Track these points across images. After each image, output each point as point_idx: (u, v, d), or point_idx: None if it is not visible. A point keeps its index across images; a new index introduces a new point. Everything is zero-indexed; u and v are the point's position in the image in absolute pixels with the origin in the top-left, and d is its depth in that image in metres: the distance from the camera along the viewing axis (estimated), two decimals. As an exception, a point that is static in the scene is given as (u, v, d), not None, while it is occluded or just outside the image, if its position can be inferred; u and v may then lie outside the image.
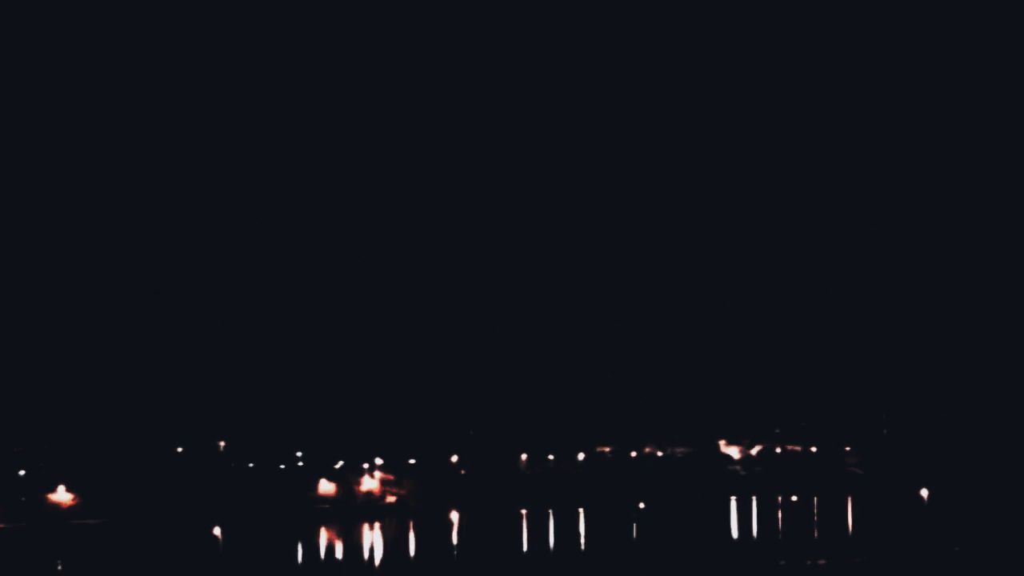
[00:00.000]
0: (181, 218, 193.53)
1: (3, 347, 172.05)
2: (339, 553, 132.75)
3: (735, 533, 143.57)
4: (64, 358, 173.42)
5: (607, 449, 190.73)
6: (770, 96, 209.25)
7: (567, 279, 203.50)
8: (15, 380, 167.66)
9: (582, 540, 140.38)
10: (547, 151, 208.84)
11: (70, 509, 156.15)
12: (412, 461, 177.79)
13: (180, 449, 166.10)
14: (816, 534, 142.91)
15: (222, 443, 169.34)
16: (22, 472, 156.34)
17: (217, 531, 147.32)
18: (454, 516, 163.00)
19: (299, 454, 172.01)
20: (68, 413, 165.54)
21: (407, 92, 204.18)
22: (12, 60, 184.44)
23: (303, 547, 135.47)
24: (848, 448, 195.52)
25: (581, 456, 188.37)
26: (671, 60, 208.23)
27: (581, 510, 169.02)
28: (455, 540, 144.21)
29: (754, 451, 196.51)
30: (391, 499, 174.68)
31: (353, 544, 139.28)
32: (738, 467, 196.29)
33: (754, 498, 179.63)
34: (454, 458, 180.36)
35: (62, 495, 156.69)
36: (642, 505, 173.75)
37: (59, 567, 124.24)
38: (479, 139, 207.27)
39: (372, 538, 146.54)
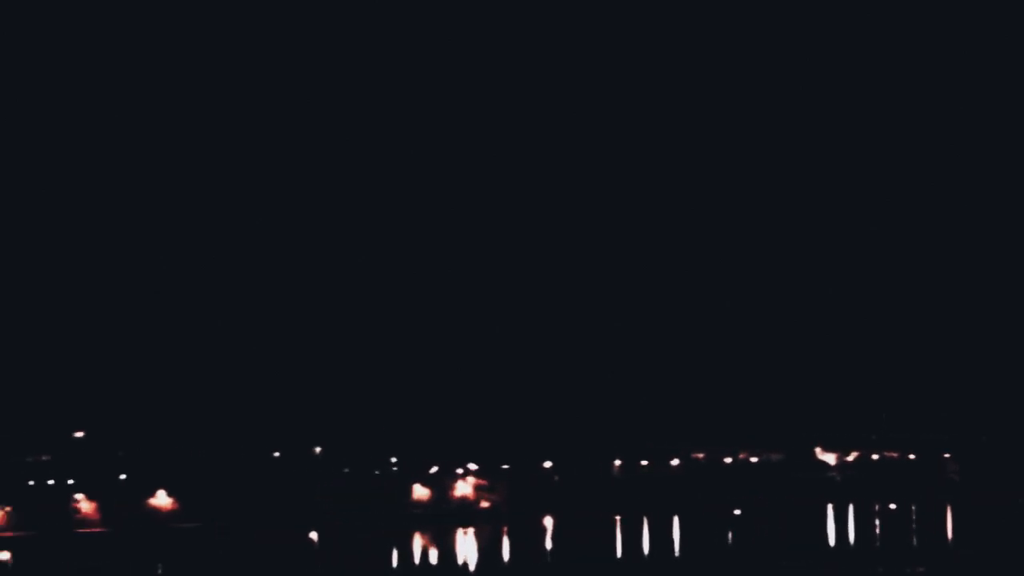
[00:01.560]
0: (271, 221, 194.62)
1: (105, 353, 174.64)
2: (433, 558, 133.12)
3: (832, 540, 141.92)
4: (165, 365, 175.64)
5: (701, 455, 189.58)
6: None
7: (656, 283, 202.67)
8: (118, 386, 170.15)
9: (676, 546, 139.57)
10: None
11: (170, 513, 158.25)
12: (505, 466, 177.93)
13: (277, 454, 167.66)
14: (914, 542, 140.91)
15: (318, 448, 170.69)
16: (123, 477, 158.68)
17: (313, 535, 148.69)
18: (547, 522, 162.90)
19: (394, 459, 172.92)
20: (169, 419, 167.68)
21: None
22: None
23: (397, 552, 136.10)
24: (947, 455, 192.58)
25: (675, 462, 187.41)
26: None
27: (676, 516, 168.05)
28: (548, 546, 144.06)
29: (851, 458, 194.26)
30: (485, 504, 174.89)
31: (447, 549, 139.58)
32: (835, 473, 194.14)
33: (851, 505, 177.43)
34: (547, 463, 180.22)
35: (162, 499, 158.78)
36: (737, 512, 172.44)
37: (159, 571, 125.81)
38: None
39: (466, 543, 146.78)
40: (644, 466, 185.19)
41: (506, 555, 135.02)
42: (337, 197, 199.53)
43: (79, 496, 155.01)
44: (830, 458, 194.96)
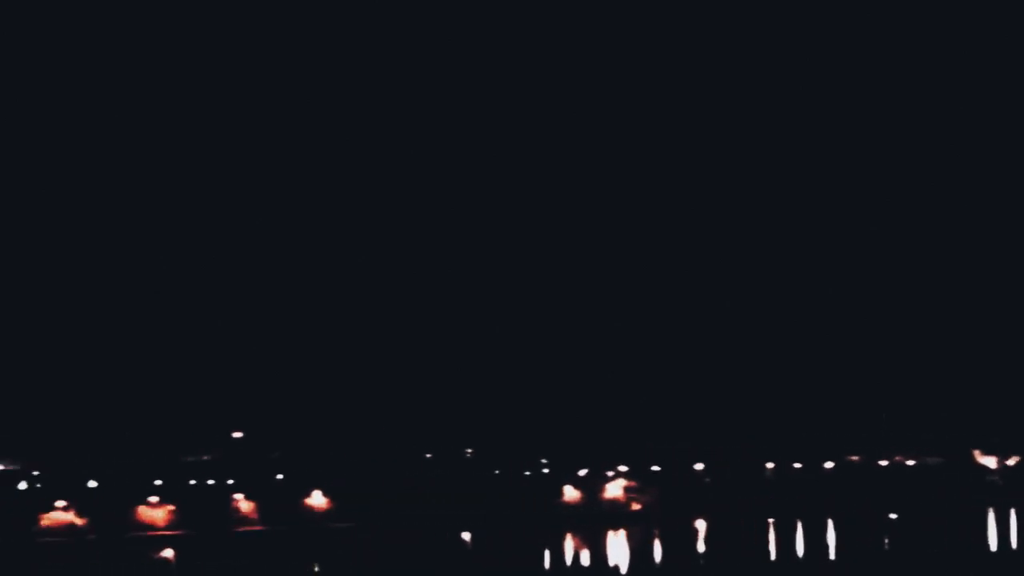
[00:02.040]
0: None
1: (263, 355, 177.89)
2: (584, 560, 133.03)
3: (993, 546, 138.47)
4: (321, 367, 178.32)
5: (856, 458, 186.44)
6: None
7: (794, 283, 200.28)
8: (275, 388, 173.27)
9: (831, 551, 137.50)
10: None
11: (325, 513, 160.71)
12: (656, 468, 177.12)
13: (429, 455, 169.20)
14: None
15: (469, 450, 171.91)
16: (280, 477, 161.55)
17: (466, 536, 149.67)
18: (699, 524, 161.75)
19: (544, 461, 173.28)
20: (323, 420, 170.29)
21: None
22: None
23: (549, 553, 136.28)
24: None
25: (829, 465, 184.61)
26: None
27: (830, 520, 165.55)
28: (700, 549, 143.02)
29: (1011, 462, 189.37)
30: (636, 507, 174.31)
31: (598, 551, 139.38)
32: (996, 478, 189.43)
33: (1012, 510, 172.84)
34: (699, 466, 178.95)
35: (318, 499, 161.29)
36: (893, 516, 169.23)
37: (316, 569, 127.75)
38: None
39: (617, 545, 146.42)
40: (797, 469, 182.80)
41: (657, 557, 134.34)
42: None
43: (238, 496, 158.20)
44: (990, 462, 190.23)
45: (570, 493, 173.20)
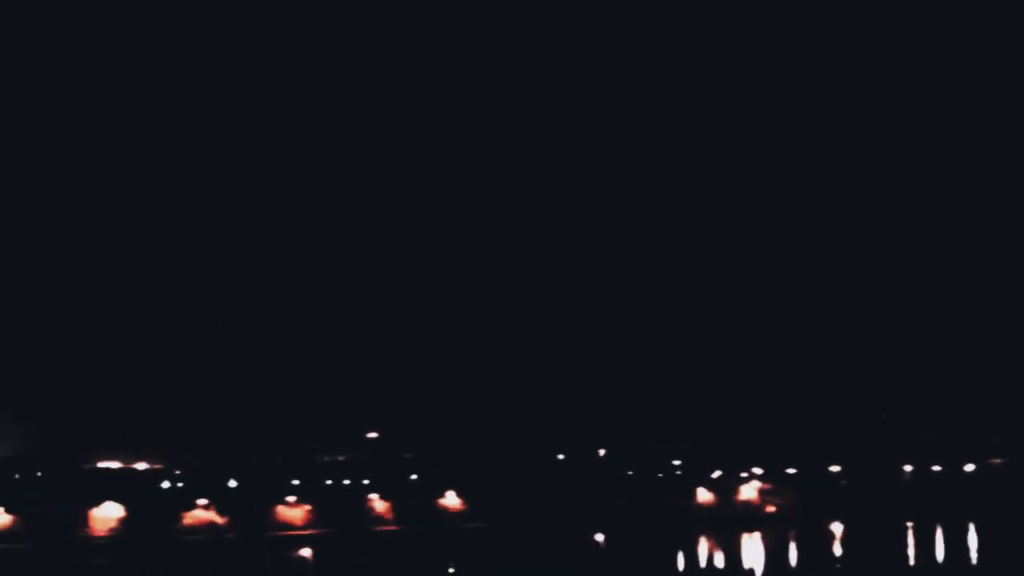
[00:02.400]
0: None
1: (396, 356, 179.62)
2: (719, 562, 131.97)
3: None
4: (454, 368, 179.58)
5: (998, 461, 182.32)
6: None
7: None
8: (409, 388, 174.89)
9: (972, 555, 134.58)
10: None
11: (459, 513, 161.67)
12: (791, 471, 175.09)
13: (561, 456, 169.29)
14: None
15: (602, 451, 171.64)
16: (414, 477, 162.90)
17: (599, 537, 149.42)
18: (836, 528, 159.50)
19: (677, 462, 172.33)
20: (457, 421, 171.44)
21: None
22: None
23: (683, 556, 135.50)
24: None
25: (970, 467, 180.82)
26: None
27: (971, 523, 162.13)
28: (838, 553, 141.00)
29: None
30: (771, 509, 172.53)
31: (732, 554, 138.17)
32: None
33: None
34: (835, 468, 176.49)
35: (451, 500, 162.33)
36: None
37: (450, 570, 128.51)
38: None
39: (752, 548, 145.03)
40: (936, 471, 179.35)
41: (793, 561, 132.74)
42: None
43: (373, 496, 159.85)
44: None
45: (703, 495, 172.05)
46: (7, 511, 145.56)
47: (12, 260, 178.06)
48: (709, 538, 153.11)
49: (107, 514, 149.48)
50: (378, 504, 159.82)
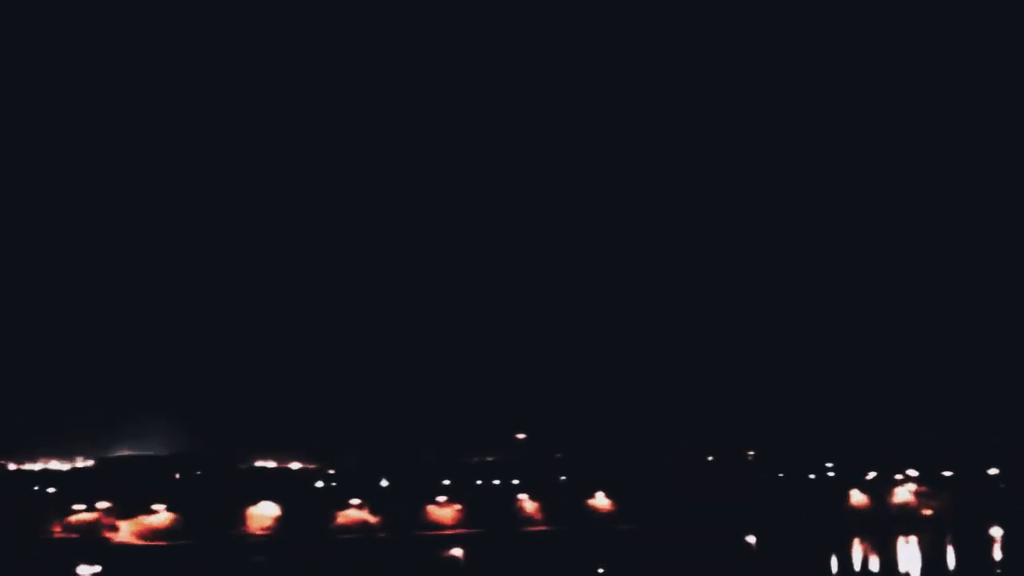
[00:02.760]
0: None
1: (544, 360, 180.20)
2: (873, 566, 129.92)
3: None
4: (603, 372, 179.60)
5: None
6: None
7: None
8: (555, 392, 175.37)
9: None
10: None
11: (608, 514, 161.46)
12: (948, 473, 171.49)
13: (711, 458, 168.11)
14: None
15: (751, 452, 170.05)
16: (563, 478, 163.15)
17: (750, 539, 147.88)
18: (995, 532, 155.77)
19: (830, 464, 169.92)
20: (606, 423, 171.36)
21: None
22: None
23: (836, 558, 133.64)
24: None
25: None
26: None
27: None
28: (996, 558, 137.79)
29: None
30: (927, 512, 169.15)
31: (888, 557, 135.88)
32: None
33: None
34: (993, 471, 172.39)
35: (601, 500, 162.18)
36: None
37: (600, 571, 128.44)
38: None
39: (908, 552, 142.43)
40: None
41: (951, 565, 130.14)
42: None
43: (523, 496, 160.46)
44: None
45: (857, 497, 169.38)
46: (168, 509, 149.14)
47: (167, 271, 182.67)
48: (863, 541, 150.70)
49: (263, 512, 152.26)
50: (528, 504, 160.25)
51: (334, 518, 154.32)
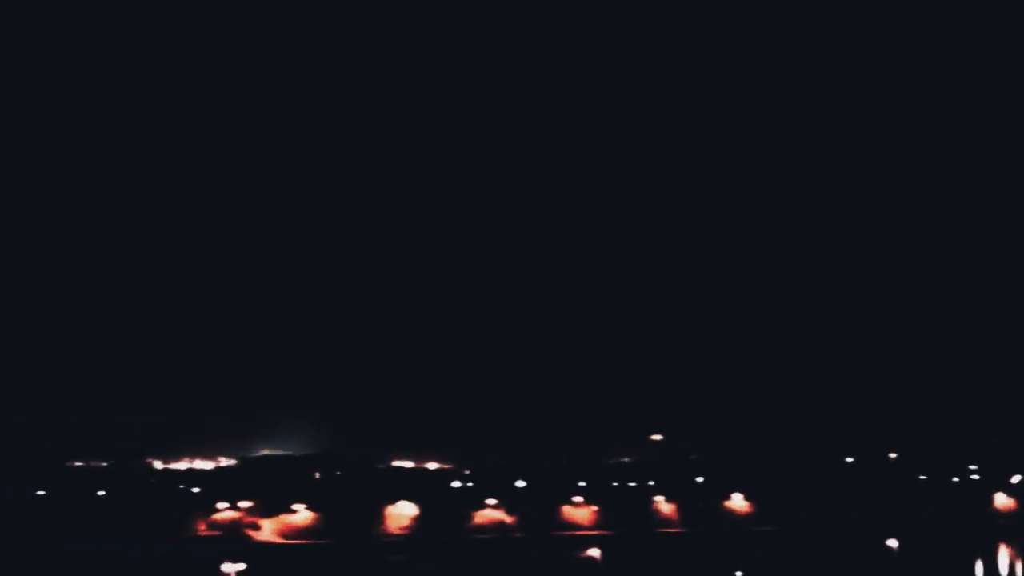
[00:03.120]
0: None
1: (674, 363, 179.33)
2: (1020, 573, 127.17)
3: None
4: (739, 373, 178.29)
5: None
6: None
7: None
8: (690, 393, 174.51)
9: None
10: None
11: (746, 516, 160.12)
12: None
13: (850, 459, 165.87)
14: None
15: (893, 454, 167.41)
16: (700, 479, 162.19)
17: (892, 543, 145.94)
18: None
19: (973, 467, 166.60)
20: (742, 423, 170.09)
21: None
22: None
23: (981, 564, 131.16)
24: None
25: None
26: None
27: None
28: None
29: None
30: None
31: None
32: None
33: None
34: None
35: (738, 503, 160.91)
36: None
37: (737, 574, 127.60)
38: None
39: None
40: None
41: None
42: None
43: (658, 498, 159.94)
44: None
45: (1002, 500, 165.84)
46: (308, 508, 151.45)
47: (300, 271, 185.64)
48: (1008, 546, 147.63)
49: (401, 512, 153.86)
50: (664, 506, 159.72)
51: (471, 518, 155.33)
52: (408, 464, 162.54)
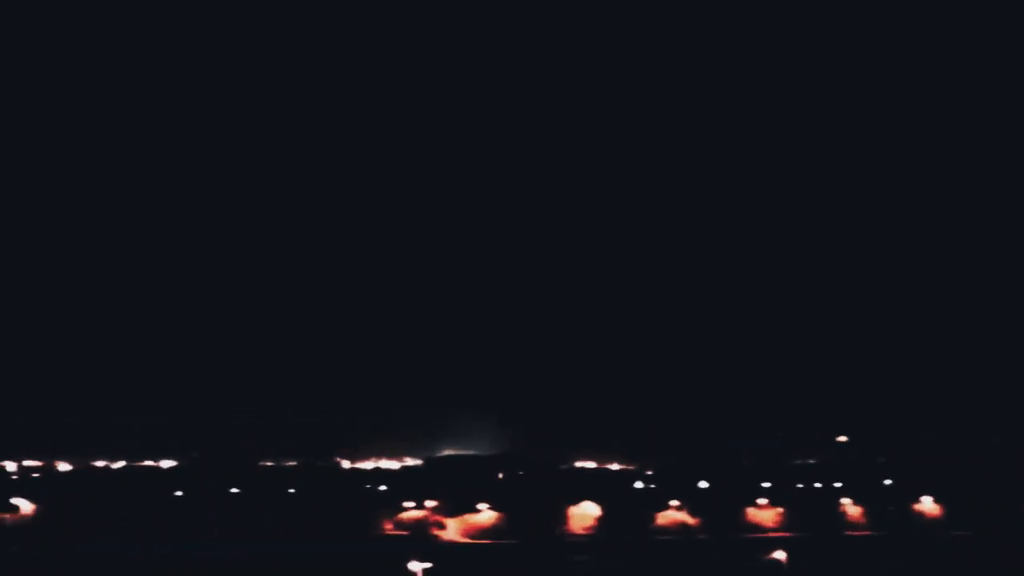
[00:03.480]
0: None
1: (866, 365, 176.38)
2: None
3: None
4: (923, 372, 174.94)
5: None
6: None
7: None
8: (876, 394, 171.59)
9: None
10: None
11: (938, 520, 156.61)
12: None
13: None
14: None
15: None
16: (888, 481, 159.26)
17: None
18: None
19: None
20: (930, 425, 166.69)
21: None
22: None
23: None
24: None
25: None
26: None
27: None
28: None
29: None
30: None
31: None
32: None
33: None
34: None
35: (928, 505, 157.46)
36: None
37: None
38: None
39: None
40: None
41: None
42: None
43: (845, 500, 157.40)
44: None
45: None
46: (492, 508, 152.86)
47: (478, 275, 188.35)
48: None
49: (584, 512, 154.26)
50: (851, 509, 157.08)
51: (653, 519, 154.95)
52: (591, 465, 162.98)
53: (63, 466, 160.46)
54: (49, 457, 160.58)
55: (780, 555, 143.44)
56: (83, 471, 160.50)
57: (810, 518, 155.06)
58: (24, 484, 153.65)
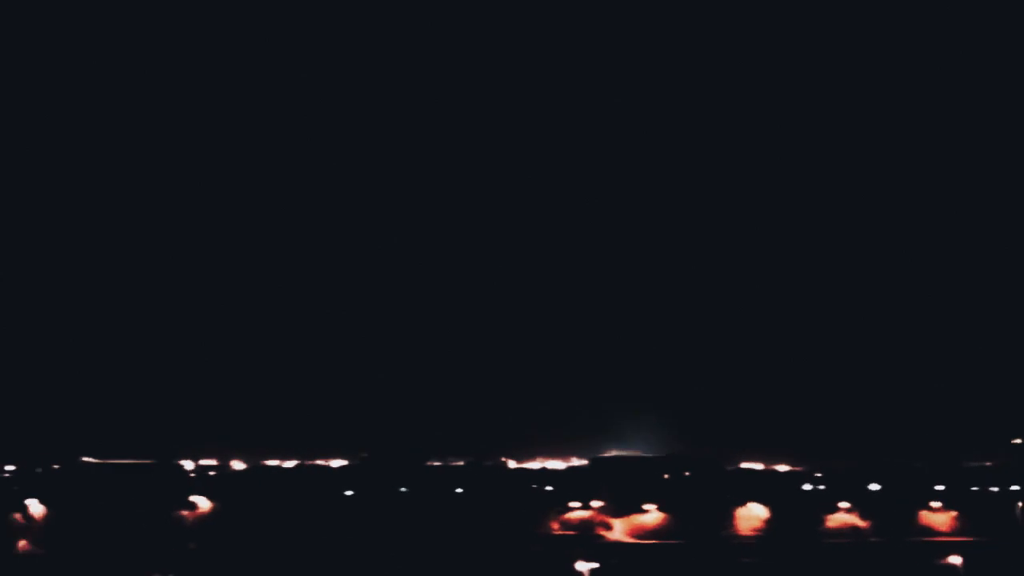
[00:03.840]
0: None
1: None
2: None
3: None
4: None
5: None
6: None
7: None
8: None
9: None
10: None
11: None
12: None
13: None
14: None
15: None
16: None
17: None
18: None
19: None
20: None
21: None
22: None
23: None
24: None
25: None
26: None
27: None
28: None
29: None
30: None
31: None
32: None
33: None
34: None
35: None
36: None
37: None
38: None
39: None
40: None
41: None
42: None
43: (1022, 504, 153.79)
44: None
45: None
46: (659, 509, 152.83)
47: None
48: None
49: (752, 514, 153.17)
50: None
51: (823, 522, 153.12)
52: (758, 466, 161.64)
53: (237, 464, 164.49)
54: (225, 457, 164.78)
55: (956, 560, 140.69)
56: (257, 469, 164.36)
57: (985, 522, 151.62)
58: (201, 482, 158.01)
